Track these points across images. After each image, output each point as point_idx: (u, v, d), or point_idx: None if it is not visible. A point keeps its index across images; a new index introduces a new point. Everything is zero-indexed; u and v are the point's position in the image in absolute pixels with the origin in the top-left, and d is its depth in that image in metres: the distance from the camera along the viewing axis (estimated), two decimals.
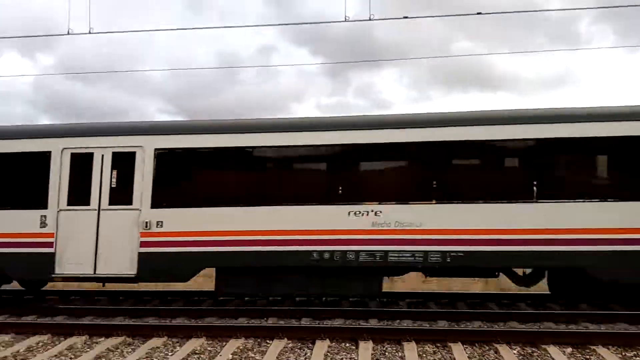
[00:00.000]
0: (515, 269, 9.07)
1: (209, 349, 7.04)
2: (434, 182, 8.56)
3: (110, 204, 9.15)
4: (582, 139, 8.23)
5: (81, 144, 9.27)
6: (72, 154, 9.27)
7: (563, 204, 8.23)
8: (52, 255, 9.23)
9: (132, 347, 7.18)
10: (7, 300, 10.77)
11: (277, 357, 6.52)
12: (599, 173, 8.63)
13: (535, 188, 8.21)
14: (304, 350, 6.86)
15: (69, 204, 9.25)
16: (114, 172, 9.10)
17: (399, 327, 7.71)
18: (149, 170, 9.11)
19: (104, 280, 9.41)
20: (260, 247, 8.91)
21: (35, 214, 9.15)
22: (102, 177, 9.18)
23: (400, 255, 8.55)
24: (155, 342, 7.29)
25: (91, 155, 9.24)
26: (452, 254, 8.42)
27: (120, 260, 9.09)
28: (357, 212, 8.67)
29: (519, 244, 8.25)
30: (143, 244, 9.04)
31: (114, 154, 9.17)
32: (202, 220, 8.92)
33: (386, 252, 8.59)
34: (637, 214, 8.01)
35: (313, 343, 7.07)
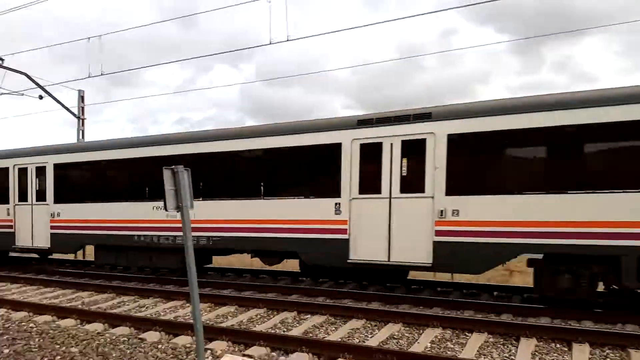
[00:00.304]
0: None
1: (406, 335, 7.13)
2: (200, 184, 10.66)
3: (401, 192, 9.03)
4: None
5: (370, 134, 9.29)
6: (362, 145, 9.40)
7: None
8: (346, 242, 9.52)
9: (335, 326, 7.66)
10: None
11: (477, 351, 6.28)
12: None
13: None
14: (507, 347, 6.48)
15: (360, 193, 9.39)
16: (404, 160, 9.02)
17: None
18: (441, 157, 8.67)
19: (398, 267, 9.30)
20: None
21: (330, 202, 9.60)
22: (392, 166, 9.09)
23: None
24: (355, 323, 7.67)
25: (380, 144, 9.26)
26: (213, 238, 10.81)
27: (415, 248, 8.89)
28: (157, 207, 11.32)
29: (247, 231, 10.52)
30: (438, 233, 8.68)
31: (404, 142, 9.00)
32: (505, 208, 8.13)
33: (175, 236, 11.28)
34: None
35: (517, 340, 6.64)
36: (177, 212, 4.64)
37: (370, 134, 9.31)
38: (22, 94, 14.99)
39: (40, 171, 12.72)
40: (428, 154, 8.76)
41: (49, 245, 12.72)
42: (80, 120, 17.54)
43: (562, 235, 7.61)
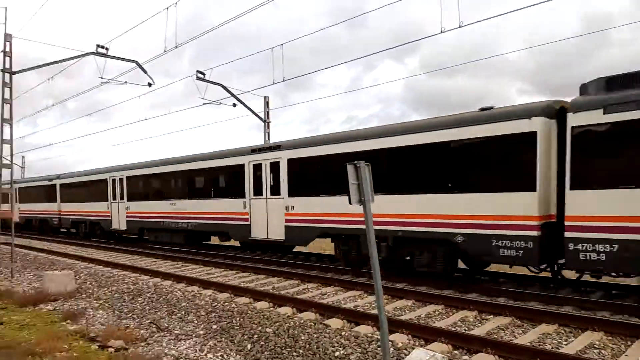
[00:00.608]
0: None
1: (610, 345, 6.29)
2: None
3: (271, 194, 13.73)
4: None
5: (256, 158, 14.06)
6: (253, 164, 14.26)
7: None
8: (248, 226, 14.65)
9: (522, 329, 7.13)
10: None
11: None
12: None
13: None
14: None
15: (254, 195, 14.42)
16: (271, 175, 13.80)
17: None
18: (285, 173, 13.36)
19: (271, 242, 13.86)
20: None
21: (240, 201, 14.58)
22: (266, 178, 14.03)
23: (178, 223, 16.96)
24: (546, 328, 7.03)
25: (260, 164, 14.02)
26: (190, 224, 16.45)
27: (277, 230, 13.41)
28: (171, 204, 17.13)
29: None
30: (286, 220, 13.15)
31: (271, 163, 13.79)
32: (315, 206, 12.42)
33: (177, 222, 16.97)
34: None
35: None
36: (360, 205, 4.78)
37: (256, 158, 13.97)
38: (220, 103, 17.18)
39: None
40: (281, 170, 13.08)
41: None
42: (266, 124, 19.35)
43: (345, 222, 11.42)
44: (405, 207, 10.22)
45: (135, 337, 7.55)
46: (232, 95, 17.65)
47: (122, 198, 19.72)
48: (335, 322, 7.52)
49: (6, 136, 13.73)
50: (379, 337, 6.48)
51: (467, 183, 9.39)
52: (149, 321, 8.43)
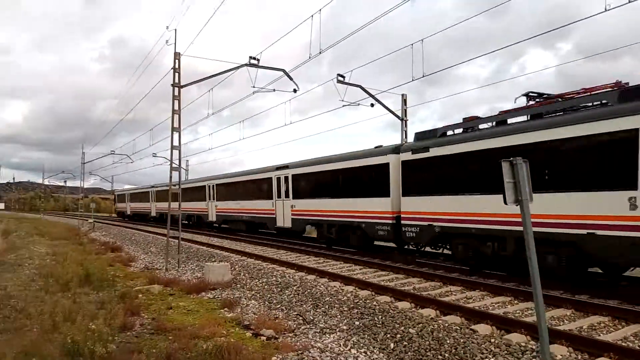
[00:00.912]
0: None
1: None
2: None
3: (285, 197, 20.80)
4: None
5: (278, 173, 20.08)
6: (277, 178, 20.75)
7: None
8: (274, 218, 21.74)
9: None
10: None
11: None
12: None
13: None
14: None
15: (277, 197, 20.66)
16: (287, 184, 20.73)
17: None
18: (290, 183, 20.60)
19: (289, 229, 20.48)
20: None
21: (269, 202, 21.05)
22: (282, 187, 21.09)
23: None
24: None
25: (279, 178, 21.14)
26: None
27: (288, 221, 20.44)
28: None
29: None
30: (292, 214, 19.98)
31: (284, 177, 20.57)
32: (304, 204, 19.35)
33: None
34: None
35: None
36: (516, 205, 4.39)
37: (278, 174, 20.84)
38: (358, 104, 17.44)
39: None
40: (289, 182, 19.83)
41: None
42: (403, 122, 19.12)
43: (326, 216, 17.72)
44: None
45: (284, 328, 7.96)
46: (370, 95, 17.77)
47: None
48: (483, 328, 7.10)
49: (175, 143, 15.51)
50: (533, 347, 5.97)
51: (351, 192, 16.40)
52: (295, 313, 8.83)
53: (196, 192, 30.01)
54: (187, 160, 49.25)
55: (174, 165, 15.74)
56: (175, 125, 15.41)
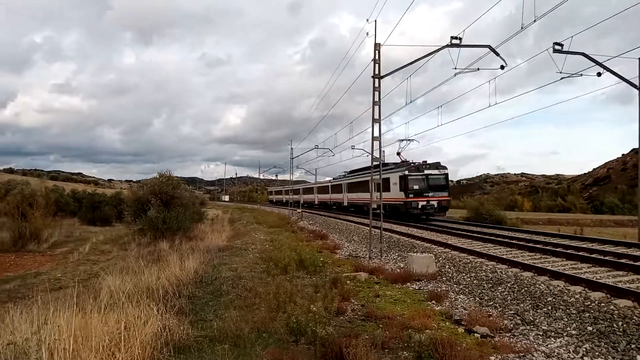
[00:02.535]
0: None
1: None
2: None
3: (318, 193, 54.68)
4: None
5: (321, 184, 52.43)
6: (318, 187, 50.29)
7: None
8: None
9: None
10: None
11: None
12: None
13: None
14: None
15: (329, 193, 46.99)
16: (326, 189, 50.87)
17: None
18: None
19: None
20: None
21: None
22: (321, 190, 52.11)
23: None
24: None
25: (312, 188, 58.22)
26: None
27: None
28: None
29: None
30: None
31: (310, 188, 58.54)
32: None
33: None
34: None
35: None
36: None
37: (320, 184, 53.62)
38: (581, 74, 15.35)
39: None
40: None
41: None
42: None
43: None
44: None
45: (500, 327, 7.54)
46: (597, 63, 15.54)
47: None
48: None
49: (376, 134, 16.02)
50: None
51: None
52: (512, 312, 8.31)
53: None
54: (384, 151, 50.83)
55: (373, 156, 16.26)
56: (376, 116, 15.88)
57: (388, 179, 30.41)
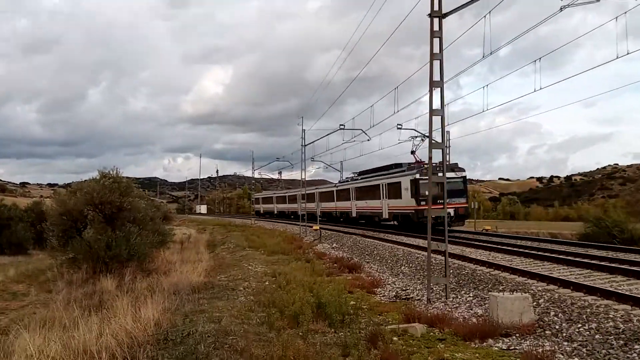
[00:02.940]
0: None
1: None
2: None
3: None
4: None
5: (321, 190, 65.71)
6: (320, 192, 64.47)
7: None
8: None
9: None
10: None
11: None
12: None
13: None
14: None
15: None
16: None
17: None
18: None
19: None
20: None
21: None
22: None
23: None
24: None
25: (312, 194, 64.77)
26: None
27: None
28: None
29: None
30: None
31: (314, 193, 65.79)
32: None
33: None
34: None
35: None
36: None
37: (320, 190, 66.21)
38: None
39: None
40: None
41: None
42: None
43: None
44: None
45: None
46: None
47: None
48: None
49: (435, 104, 15.69)
50: None
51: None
52: None
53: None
54: (448, 132, 49.25)
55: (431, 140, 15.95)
56: (436, 77, 15.56)
57: (399, 183, 38.28)
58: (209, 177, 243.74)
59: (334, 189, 58.80)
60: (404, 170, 39.31)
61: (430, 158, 16.28)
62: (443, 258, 17.15)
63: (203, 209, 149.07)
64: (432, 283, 16.29)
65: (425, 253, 19.71)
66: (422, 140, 40.64)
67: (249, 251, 28.88)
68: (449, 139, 46.35)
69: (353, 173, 58.21)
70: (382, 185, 42.35)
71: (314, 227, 41.90)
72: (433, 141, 16.20)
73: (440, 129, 16.43)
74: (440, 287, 16.69)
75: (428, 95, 15.90)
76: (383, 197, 42.17)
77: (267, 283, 17.50)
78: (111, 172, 20.81)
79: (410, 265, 21.51)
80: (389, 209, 40.85)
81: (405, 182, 37.08)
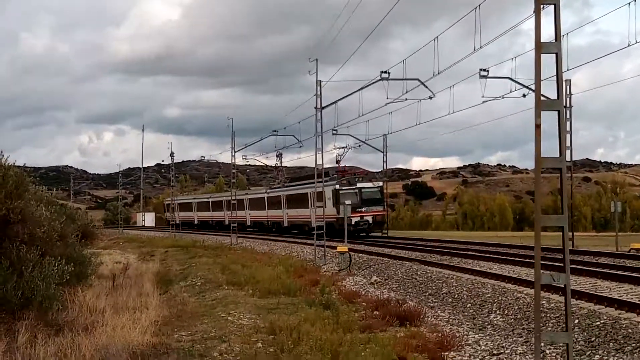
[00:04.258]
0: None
1: None
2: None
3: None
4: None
5: (271, 193, 62.23)
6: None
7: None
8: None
9: None
10: None
11: None
12: None
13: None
14: None
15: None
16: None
17: None
18: None
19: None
20: None
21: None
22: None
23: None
24: None
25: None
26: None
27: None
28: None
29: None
30: None
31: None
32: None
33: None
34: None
35: None
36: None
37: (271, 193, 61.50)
38: None
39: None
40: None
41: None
42: None
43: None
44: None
45: None
46: None
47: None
48: None
49: (544, 35, 8.90)
50: None
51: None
52: None
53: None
54: (568, 82, 24.24)
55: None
56: None
57: (323, 192, 40.62)
58: (157, 165, 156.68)
59: (265, 194, 61.22)
60: (328, 180, 44.01)
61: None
62: (558, 298, 14.33)
63: (149, 219, 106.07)
64: (542, 342, 10.70)
65: (530, 290, 15.36)
66: (346, 149, 51.92)
67: (228, 290, 20.53)
68: (570, 94, 32.77)
69: (286, 178, 68.57)
70: (310, 194, 45.92)
71: (339, 249, 30.90)
72: (544, 98, 9.73)
73: (555, 77, 10.03)
74: (559, 348, 12.05)
75: (534, 19, 9.74)
76: (311, 206, 46.08)
77: (259, 345, 11.90)
78: None
79: (506, 311, 15.61)
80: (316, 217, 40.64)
81: (328, 192, 43.29)
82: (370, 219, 42.53)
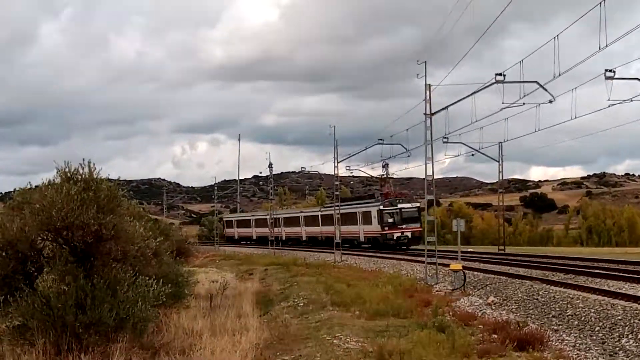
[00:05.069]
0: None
1: None
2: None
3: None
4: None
5: (325, 211, 70.38)
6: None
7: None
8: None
9: None
10: None
11: None
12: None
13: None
14: None
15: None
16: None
17: None
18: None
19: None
20: None
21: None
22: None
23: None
24: None
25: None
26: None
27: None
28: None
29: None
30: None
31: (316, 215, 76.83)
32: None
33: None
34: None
35: None
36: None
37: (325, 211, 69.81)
38: None
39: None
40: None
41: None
42: None
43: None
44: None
45: None
46: None
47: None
48: None
49: None
50: None
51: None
52: None
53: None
54: None
55: None
56: None
57: (370, 212, 55.61)
58: (255, 177, 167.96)
59: (319, 213, 69.89)
60: (374, 201, 59.20)
61: None
62: None
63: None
64: None
65: None
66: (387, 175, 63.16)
67: (333, 311, 19.82)
68: None
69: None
70: (358, 213, 58.84)
71: (452, 267, 28.20)
72: None
73: None
74: None
75: None
76: (359, 223, 58.57)
77: None
78: (81, 171, 13.40)
79: (639, 335, 13.96)
80: (364, 234, 58.29)
81: (374, 212, 54.97)
82: (409, 234, 52.48)
